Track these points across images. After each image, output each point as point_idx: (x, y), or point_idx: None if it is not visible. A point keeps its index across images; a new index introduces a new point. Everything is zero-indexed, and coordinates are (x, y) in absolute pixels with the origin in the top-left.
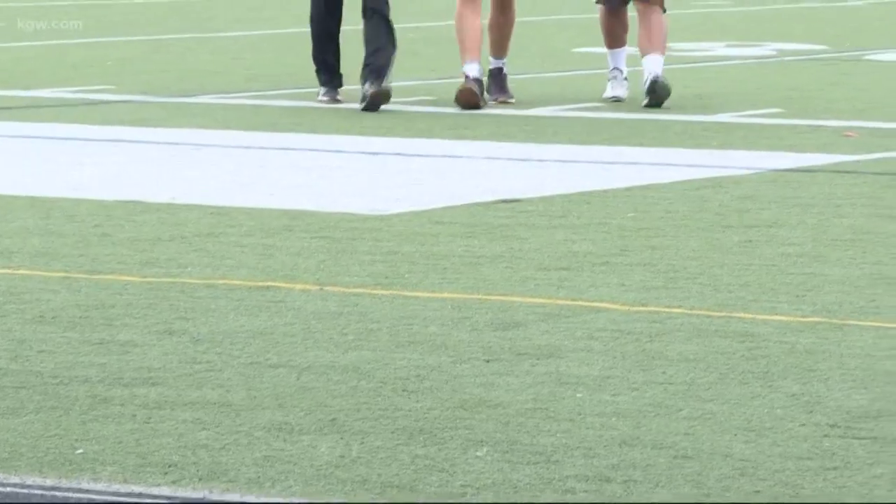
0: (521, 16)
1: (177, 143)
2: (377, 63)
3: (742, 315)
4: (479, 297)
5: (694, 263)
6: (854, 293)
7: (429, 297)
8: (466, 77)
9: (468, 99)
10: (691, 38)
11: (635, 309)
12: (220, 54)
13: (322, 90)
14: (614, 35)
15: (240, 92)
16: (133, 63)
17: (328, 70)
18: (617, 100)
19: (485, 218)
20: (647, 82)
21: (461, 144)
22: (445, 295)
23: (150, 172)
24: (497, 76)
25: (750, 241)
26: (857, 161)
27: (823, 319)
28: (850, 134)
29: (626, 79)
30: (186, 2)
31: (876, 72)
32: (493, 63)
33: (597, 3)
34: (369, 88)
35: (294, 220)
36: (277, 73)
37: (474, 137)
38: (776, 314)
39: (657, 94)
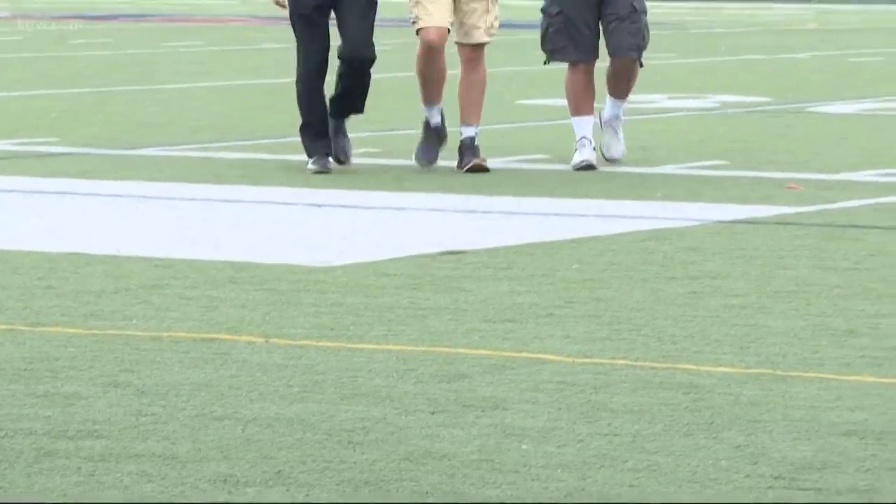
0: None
1: (122, 196)
2: (351, 106)
3: (686, 366)
4: (425, 348)
5: (638, 315)
6: (798, 344)
7: (374, 349)
8: (426, 122)
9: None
10: (635, 90)
11: (580, 361)
12: (164, 106)
13: (312, 158)
14: (582, 100)
15: (185, 144)
16: (77, 115)
17: (318, 135)
18: (588, 166)
19: (430, 270)
20: (604, 118)
21: (405, 196)
22: (391, 347)
23: (94, 224)
24: (469, 146)
25: (694, 292)
26: (801, 213)
27: (767, 371)
28: (794, 186)
29: (594, 147)
30: (130, 54)
31: (819, 124)
32: (463, 131)
33: (569, 63)
34: (336, 150)
35: (239, 273)
36: (222, 125)
37: (419, 189)
38: (720, 365)
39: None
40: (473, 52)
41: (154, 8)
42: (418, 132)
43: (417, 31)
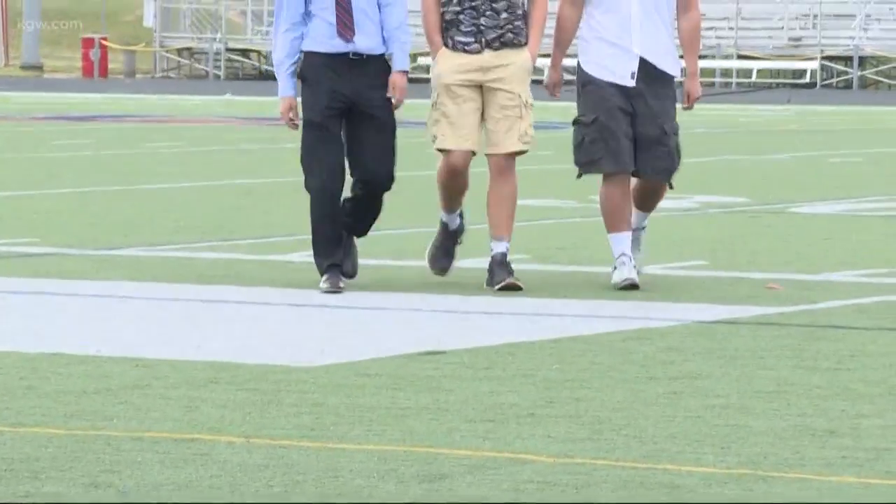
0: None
1: (102, 296)
2: (355, 228)
3: (668, 466)
4: (405, 448)
5: (619, 415)
6: (779, 445)
7: (355, 449)
8: (444, 225)
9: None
10: None
11: (561, 461)
12: (145, 206)
13: (324, 277)
14: (618, 215)
15: (165, 244)
16: (58, 215)
17: (331, 248)
18: (631, 285)
19: (410, 370)
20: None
21: (386, 296)
22: (371, 447)
23: (75, 325)
24: (501, 263)
25: (675, 392)
26: (781, 313)
27: (749, 471)
28: (774, 286)
29: (635, 265)
30: (111, 155)
31: (800, 225)
32: (494, 247)
33: (578, 174)
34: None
35: (219, 373)
36: (203, 226)
37: (399, 289)
38: (702, 466)
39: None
40: (504, 162)
41: (134, 109)
42: (400, 232)
43: (438, 150)
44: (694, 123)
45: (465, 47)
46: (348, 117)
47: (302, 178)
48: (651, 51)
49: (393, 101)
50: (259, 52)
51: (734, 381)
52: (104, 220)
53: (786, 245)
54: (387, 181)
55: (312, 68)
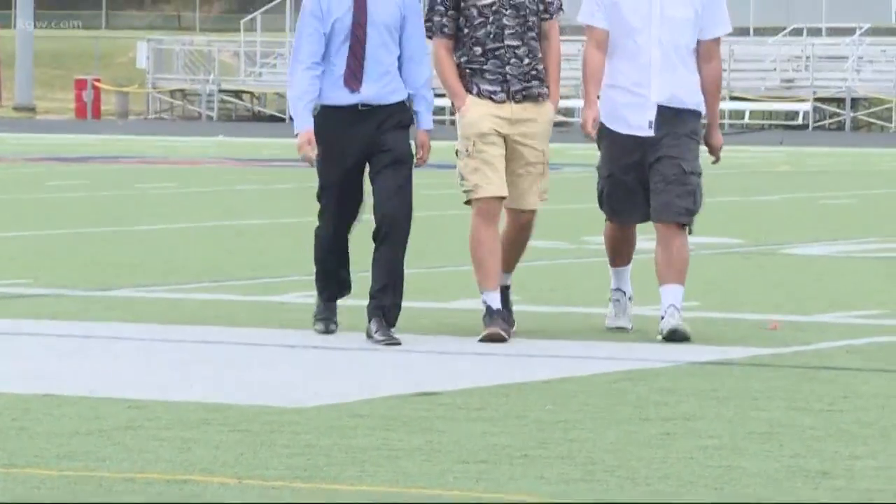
0: (443, 208)
1: (94, 337)
2: (386, 303)
3: None
4: (398, 490)
5: (612, 456)
6: (772, 486)
7: (348, 491)
8: (489, 309)
9: (496, 340)
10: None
11: (554, 502)
12: (137, 248)
13: (318, 315)
14: (621, 252)
15: (158, 285)
16: (51, 257)
17: (332, 283)
18: (622, 330)
19: (403, 411)
20: (666, 329)
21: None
22: (364, 488)
23: (67, 366)
24: (501, 294)
25: (668, 433)
26: (774, 354)
27: None
28: (774, 325)
29: (630, 298)
30: (104, 196)
31: (792, 266)
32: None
33: (607, 219)
34: (377, 335)
35: (212, 414)
36: (195, 267)
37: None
38: None
39: (674, 341)
40: (524, 218)
41: (127, 150)
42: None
43: (468, 202)
44: None
45: (492, 96)
46: (369, 162)
47: (296, 220)
48: (671, 95)
49: (415, 159)
50: (252, 94)
51: (727, 423)
52: (97, 261)
53: (778, 286)
54: (402, 218)
55: (324, 124)
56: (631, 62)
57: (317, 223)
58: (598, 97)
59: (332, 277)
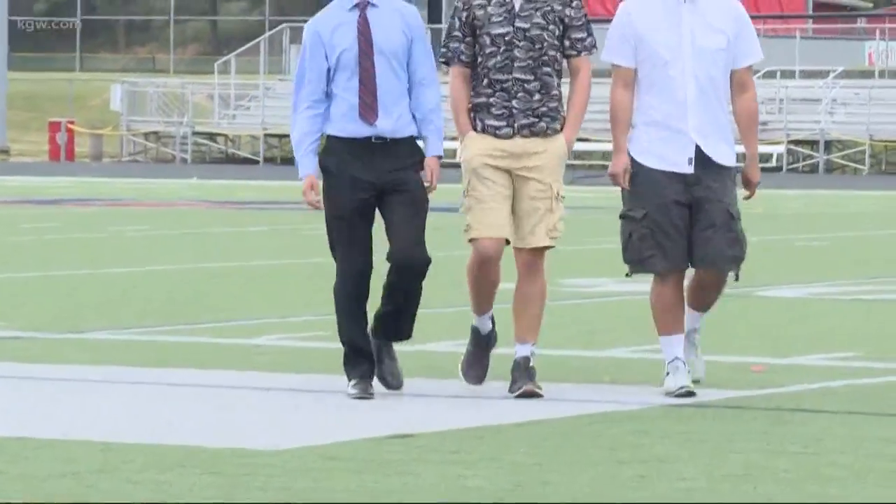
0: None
1: (68, 379)
2: (397, 328)
3: None
4: None
5: (587, 498)
6: None
7: None
8: (476, 333)
9: (478, 380)
10: (583, 274)
11: None
12: (110, 290)
13: (352, 382)
14: (674, 315)
15: (131, 328)
16: (24, 299)
17: (359, 354)
18: (687, 393)
19: (378, 453)
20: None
21: None
22: None
23: (41, 408)
24: (524, 368)
25: (642, 476)
26: (750, 397)
27: None
28: (759, 368)
29: (689, 371)
30: (77, 238)
31: (766, 308)
32: (518, 350)
33: (630, 272)
34: (382, 372)
35: (186, 456)
36: (168, 309)
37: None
38: None
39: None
40: (533, 258)
41: (101, 192)
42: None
43: (469, 240)
44: None
45: (496, 131)
46: (379, 201)
47: (270, 262)
48: (708, 139)
49: (425, 183)
50: (226, 136)
51: (702, 465)
52: (70, 304)
53: (753, 328)
54: (420, 263)
55: (333, 156)
56: (665, 97)
57: (334, 279)
58: (629, 136)
59: (360, 336)
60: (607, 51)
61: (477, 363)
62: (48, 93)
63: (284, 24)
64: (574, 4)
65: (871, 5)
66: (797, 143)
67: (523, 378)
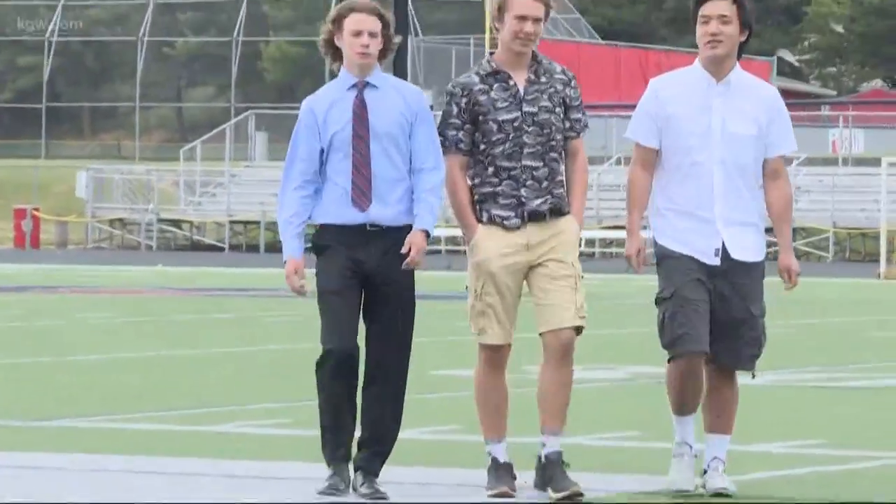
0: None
1: (32, 467)
2: (377, 452)
3: None
4: None
5: None
6: None
7: None
8: (494, 460)
9: (506, 497)
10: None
11: None
12: (76, 377)
13: (328, 475)
14: (690, 395)
15: (97, 415)
16: None
17: (337, 444)
18: (683, 493)
19: None
20: (711, 489)
21: (320, 467)
22: None
23: (6, 496)
24: (557, 464)
25: None
26: None
27: None
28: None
29: (695, 455)
30: (42, 326)
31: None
32: (547, 443)
33: (670, 358)
34: (362, 489)
35: None
36: (134, 396)
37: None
38: None
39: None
40: (566, 341)
41: (66, 279)
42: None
43: (482, 344)
44: (627, 294)
45: (504, 222)
46: (365, 289)
47: (236, 349)
48: (734, 231)
49: (407, 259)
50: (191, 223)
51: None
52: (35, 391)
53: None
54: (397, 375)
55: (326, 241)
56: (690, 184)
57: (316, 359)
58: (651, 219)
59: (343, 418)
60: (632, 128)
61: (505, 476)
62: (13, 180)
63: (250, 112)
64: (573, 84)
65: (834, 93)
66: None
67: (563, 478)
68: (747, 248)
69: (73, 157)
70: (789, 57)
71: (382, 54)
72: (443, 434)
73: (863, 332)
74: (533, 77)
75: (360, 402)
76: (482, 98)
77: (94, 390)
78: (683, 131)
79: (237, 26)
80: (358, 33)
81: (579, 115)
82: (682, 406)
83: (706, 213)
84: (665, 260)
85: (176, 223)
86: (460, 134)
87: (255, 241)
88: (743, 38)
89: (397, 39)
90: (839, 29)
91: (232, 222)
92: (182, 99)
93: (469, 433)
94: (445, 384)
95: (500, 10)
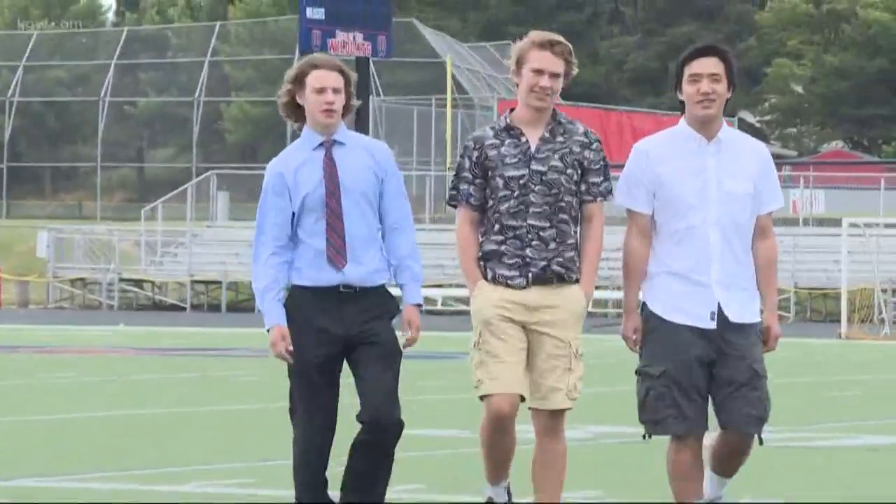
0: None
1: None
2: (367, 491)
3: None
4: None
5: None
6: None
7: None
8: (490, 500)
9: None
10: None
11: None
12: (37, 437)
13: None
14: (693, 482)
15: (58, 474)
16: None
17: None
18: None
19: None
20: None
21: None
22: None
23: None
24: None
25: None
26: None
27: None
28: None
29: None
30: (3, 386)
31: None
32: None
33: (673, 436)
34: None
35: None
36: (95, 455)
37: None
38: None
39: None
40: (552, 421)
41: (27, 339)
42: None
43: (481, 398)
44: (586, 354)
45: (508, 281)
46: (348, 355)
47: (197, 409)
48: (731, 294)
49: (405, 338)
50: (153, 283)
51: None
52: None
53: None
54: (391, 425)
55: (298, 307)
56: (685, 247)
57: (291, 434)
58: (642, 283)
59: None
60: (621, 194)
61: None
62: None
63: (211, 172)
64: (594, 147)
65: (795, 154)
66: None
67: None
68: (744, 311)
69: (34, 217)
70: (750, 118)
71: (344, 111)
72: (409, 493)
73: (825, 391)
74: (548, 135)
75: (350, 466)
76: (492, 153)
77: (55, 450)
78: (678, 195)
79: (198, 86)
80: (321, 90)
81: (598, 179)
82: (685, 492)
83: (702, 276)
84: (656, 330)
85: (137, 283)
86: (471, 188)
87: (217, 301)
88: (729, 95)
89: (357, 102)
90: (799, 90)
91: (193, 282)
92: (143, 159)
93: (435, 492)
94: (415, 443)
95: (518, 64)
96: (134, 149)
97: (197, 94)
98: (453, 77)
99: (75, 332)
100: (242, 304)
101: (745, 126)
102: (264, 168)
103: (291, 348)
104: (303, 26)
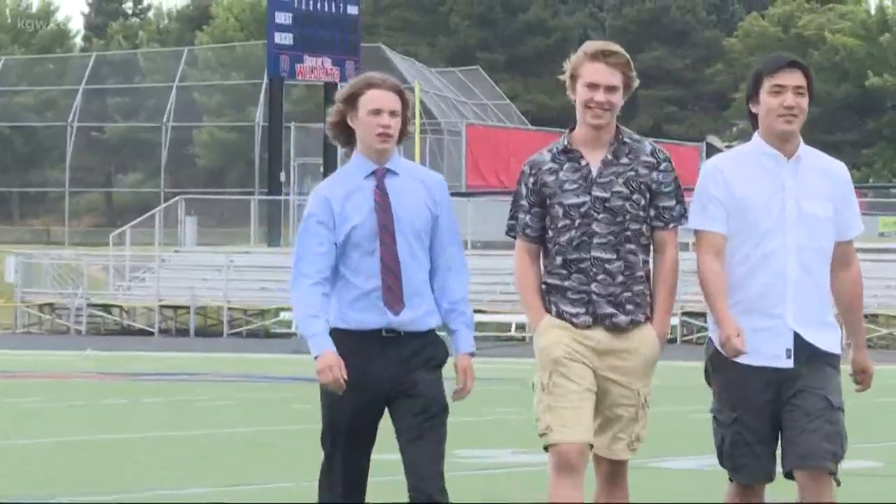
0: None
1: None
2: None
3: None
4: None
5: None
6: None
7: None
8: None
9: None
10: (479, 445)
11: None
12: (5, 462)
13: None
14: None
15: (25, 499)
16: None
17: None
18: None
19: None
20: None
21: None
22: None
23: None
24: None
25: None
26: None
27: None
28: None
29: None
30: None
31: (660, 479)
32: None
33: (731, 481)
34: None
35: None
36: (63, 480)
37: None
38: None
39: None
40: (613, 469)
41: None
42: None
43: (546, 447)
44: None
45: (573, 319)
46: (390, 406)
47: (164, 434)
48: (809, 325)
49: (457, 389)
50: (121, 308)
51: None
52: None
53: (649, 500)
54: (435, 492)
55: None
56: (760, 276)
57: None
58: (710, 320)
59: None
60: (694, 216)
61: None
62: None
63: (179, 197)
64: (662, 167)
65: None
66: (691, 315)
67: None
68: (824, 339)
69: (1, 242)
70: (717, 143)
71: (400, 137)
72: None
73: None
74: (611, 157)
75: None
76: (549, 178)
77: (23, 475)
78: (755, 218)
79: (167, 111)
80: (377, 112)
81: (670, 203)
82: None
83: (777, 308)
84: (724, 374)
85: (106, 308)
86: (528, 218)
87: (185, 326)
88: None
89: (412, 128)
90: None
91: (162, 307)
92: (112, 184)
93: None
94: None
95: (573, 78)
96: (102, 174)
97: (165, 118)
98: (422, 102)
99: (43, 356)
100: (211, 329)
101: (713, 151)
102: (233, 193)
103: (346, 375)
104: (271, 51)
